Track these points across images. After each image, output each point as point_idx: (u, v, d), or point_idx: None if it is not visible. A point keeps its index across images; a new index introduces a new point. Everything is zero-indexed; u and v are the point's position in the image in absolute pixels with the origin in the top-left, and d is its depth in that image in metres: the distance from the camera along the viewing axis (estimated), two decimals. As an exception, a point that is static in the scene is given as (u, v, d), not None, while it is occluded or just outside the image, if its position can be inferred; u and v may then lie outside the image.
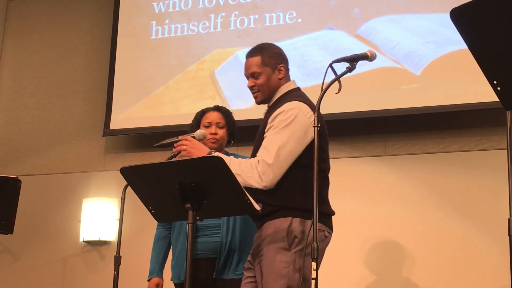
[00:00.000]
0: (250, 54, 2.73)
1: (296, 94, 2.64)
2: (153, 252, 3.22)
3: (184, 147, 2.57)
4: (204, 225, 3.02)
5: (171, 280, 3.13)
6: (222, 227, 3.02)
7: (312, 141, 2.44)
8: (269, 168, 2.42)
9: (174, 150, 2.63)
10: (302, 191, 2.49)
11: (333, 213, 2.63)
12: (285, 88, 2.67)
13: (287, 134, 2.48)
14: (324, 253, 2.56)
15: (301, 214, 2.47)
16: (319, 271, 2.22)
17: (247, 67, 2.72)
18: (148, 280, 3.19)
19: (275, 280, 2.43)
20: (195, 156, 2.51)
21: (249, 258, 2.67)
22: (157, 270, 3.17)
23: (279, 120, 2.51)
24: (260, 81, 2.66)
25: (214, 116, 3.14)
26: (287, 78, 2.72)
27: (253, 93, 2.71)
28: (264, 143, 2.51)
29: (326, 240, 2.55)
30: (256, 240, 2.59)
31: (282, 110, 2.53)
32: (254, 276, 2.59)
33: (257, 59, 2.68)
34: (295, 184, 2.50)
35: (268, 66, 2.66)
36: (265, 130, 2.55)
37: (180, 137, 2.64)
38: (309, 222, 2.44)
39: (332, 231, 2.60)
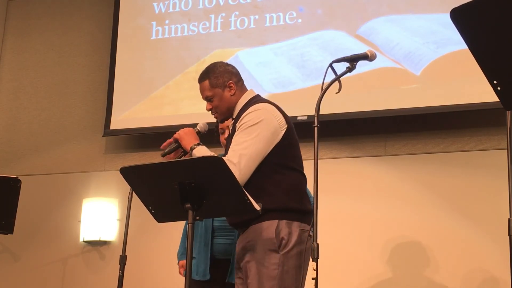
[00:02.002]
0: (199, 80, 2.80)
1: (259, 99, 2.72)
2: (182, 237, 3.31)
3: (180, 131, 2.72)
4: (220, 226, 3.02)
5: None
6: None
7: (284, 141, 2.59)
8: (234, 167, 2.44)
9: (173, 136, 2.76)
10: (284, 192, 2.55)
11: (312, 209, 2.65)
12: (243, 100, 2.73)
13: (254, 134, 2.53)
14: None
15: (287, 215, 2.53)
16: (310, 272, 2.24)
17: (200, 92, 2.80)
18: (178, 263, 3.30)
19: (267, 281, 2.46)
20: (182, 142, 2.68)
21: (236, 265, 2.69)
22: (181, 252, 3.26)
23: (246, 120, 2.58)
24: (215, 103, 2.74)
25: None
26: (241, 90, 2.77)
27: (213, 115, 2.80)
28: (231, 144, 2.57)
29: (311, 239, 2.55)
30: (239, 244, 2.62)
31: (248, 112, 2.60)
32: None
33: (205, 84, 2.76)
34: (276, 185, 2.55)
35: (216, 87, 2.73)
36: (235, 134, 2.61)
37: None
38: (295, 224, 2.53)
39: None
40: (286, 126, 2.63)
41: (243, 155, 2.49)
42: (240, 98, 2.73)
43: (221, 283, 3.02)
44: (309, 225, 2.57)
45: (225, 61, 2.91)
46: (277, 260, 2.48)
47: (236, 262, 2.67)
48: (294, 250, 2.50)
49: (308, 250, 2.51)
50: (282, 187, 2.56)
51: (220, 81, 2.73)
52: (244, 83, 2.83)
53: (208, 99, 2.74)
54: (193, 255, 3.13)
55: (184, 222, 3.28)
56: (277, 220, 2.51)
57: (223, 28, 4.86)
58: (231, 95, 2.73)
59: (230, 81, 2.74)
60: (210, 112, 2.77)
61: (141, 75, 5.03)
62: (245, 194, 2.28)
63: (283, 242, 2.49)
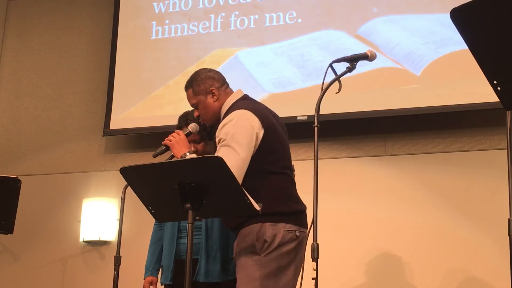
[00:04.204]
0: (185, 88, 2.85)
1: (237, 105, 2.72)
2: (149, 250, 3.25)
3: (171, 138, 2.74)
4: (185, 226, 3.01)
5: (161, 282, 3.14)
6: (202, 228, 3.01)
7: (263, 144, 2.59)
8: None
9: (164, 141, 2.78)
10: (266, 197, 2.55)
11: (304, 208, 2.68)
12: (227, 105, 2.77)
13: (234, 144, 2.53)
14: (305, 252, 2.60)
15: (271, 218, 2.55)
16: (305, 271, 2.25)
17: (188, 100, 2.85)
18: (144, 278, 3.23)
19: (248, 283, 2.50)
20: (173, 150, 2.71)
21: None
22: (151, 268, 3.19)
23: (224, 132, 2.58)
24: (200, 110, 2.81)
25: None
26: (225, 93, 2.80)
27: (201, 121, 2.85)
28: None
29: (299, 239, 2.60)
30: (234, 250, 2.68)
31: (225, 123, 2.61)
32: None
33: (189, 92, 2.82)
34: (259, 190, 2.54)
35: (199, 94, 2.78)
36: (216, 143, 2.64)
37: (176, 131, 2.80)
38: (280, 225, 2.55)
39: (307, 227, 2.64)
40: (263, 130, 2.62)
41: (237, 167, 2.49)
42: (225, 102, 2.77)
43: (192, 283, 2.99)
44: (296, 225, 2.60)
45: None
46: (259, 262, 2.51)
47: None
48: (278, 251, 2.53)
49: (297, 249, 2.57)
50: (264, 192, 2.57)
51: (202, 88, 2.77)
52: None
53: (195, 106, 2.80)
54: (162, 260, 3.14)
55: (151, 230, 3.30)
56: (260, 224, 2.54)
57: (223, 28, 4.86)
58: (214, 101, 2.77)
59: (212, 87, 2.78)
60: (198, 118, 2.83)
61: (141, 75, 5.03)
62: (245, 194, 2.28)
63: (266, 244, 2.52)
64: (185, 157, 2.63)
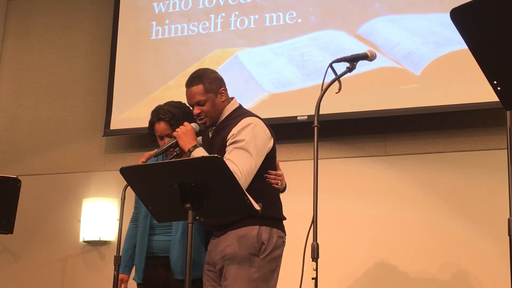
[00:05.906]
0: (190, 84, 2.81)
1: (245, 111, 2.81)
2: (123, 247, 3.21)
3: (180, 128, 2.74)
4: (158, 224, 2.96)
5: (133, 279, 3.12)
6: (173, 225, 2.98)
7: (269, 153, 2.70)
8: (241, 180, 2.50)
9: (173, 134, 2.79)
10: (264, 200, 2.58)
11: (285, 218, 2.79)
12: (230, 108, 2.82)
13: (251, 149, 2.60)
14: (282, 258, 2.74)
15: (267, 222, 2.64)
16: (305, 271, 2.27)
17: (190, 96, 2.81)
18: None
19: (247, 284, 2.55)
20: (180, 141, 2.69)
21: (208, 268, 2.74)
22: (123, 266, 3.17)
23: (242, 135, 2.63)
24: (206, 107, 2.77)
25: (161, 129, 3.00)
26: (228, 98, 2.85)
27: (200, 120, 2.81)
28: (230, 157, 2.59)
29: (283, 245, 2.73)
30: (215, 248, 2.68)
31: (243, 126, 2.66)
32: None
33: (199, 88, 2.78)
34: (256, 194, 2.55)
35: (210, 92, 2.77)
36: (227, 144, 2.66)
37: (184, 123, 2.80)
38: (274, 230, 2.65)
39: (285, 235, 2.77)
40: (272, 139, 2.74)
41: (248, 170, 2.57)
42: (227, 105, 2.82)
43: (165, 280, 2.96)
44: (283, 232, 2.72)
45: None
46: (258, 264, 2.58)
47: (210, 265, 2.72)
48: (271, 255, 2.63)
49: (281, 254, 2.70)
50: (263, 197, 2.59)
51: (214, 87, 2.78)
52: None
53: (200, 103, 2.77)
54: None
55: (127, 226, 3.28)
56: (257, 226, 2.61)
57: (223, 28, 4.86)
58: (222, 101, 2.80)
59: (222, 88, 2.81)
60: (198, 116, 2.80)
61: (141, 75, 5.03)
62: (245, 194, 2.29)
63: (263, 247, 2.60)
64: (193, 150, 2.64)
